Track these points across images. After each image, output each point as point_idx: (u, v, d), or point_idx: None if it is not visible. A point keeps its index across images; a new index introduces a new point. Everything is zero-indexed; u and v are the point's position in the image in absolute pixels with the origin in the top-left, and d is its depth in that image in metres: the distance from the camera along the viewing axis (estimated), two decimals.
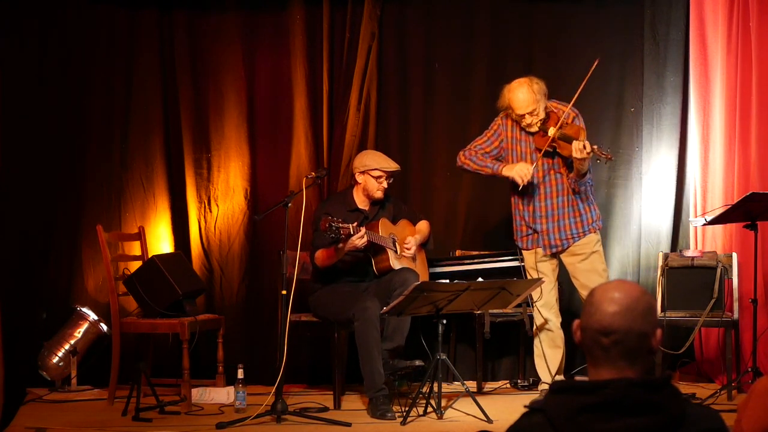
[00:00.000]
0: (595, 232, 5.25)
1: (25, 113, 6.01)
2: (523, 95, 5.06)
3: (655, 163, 6.07)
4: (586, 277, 5.19)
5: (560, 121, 5.04)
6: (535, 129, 5.11)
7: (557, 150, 5.07)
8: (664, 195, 6.05)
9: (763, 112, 5.75)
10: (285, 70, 6.21)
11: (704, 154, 5.96)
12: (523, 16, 6.24)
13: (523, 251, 5.36)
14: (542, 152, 5.07)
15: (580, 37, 6.17)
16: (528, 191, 5.19)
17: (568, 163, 5.10)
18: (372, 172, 5.37)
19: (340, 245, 5.13)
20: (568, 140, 4.98)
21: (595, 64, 5.09)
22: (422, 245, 5.65)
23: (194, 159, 6.20)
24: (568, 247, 5.22)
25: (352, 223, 5.06)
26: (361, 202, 5.45)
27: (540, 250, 5.26)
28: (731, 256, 5.64)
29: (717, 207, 5.71)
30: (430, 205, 6.19)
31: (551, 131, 5.02)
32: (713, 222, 5.39)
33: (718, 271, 5.54)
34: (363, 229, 5.10)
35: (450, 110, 6.25)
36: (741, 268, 5.64)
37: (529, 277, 5.27)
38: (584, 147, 4.89)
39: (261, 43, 6.27)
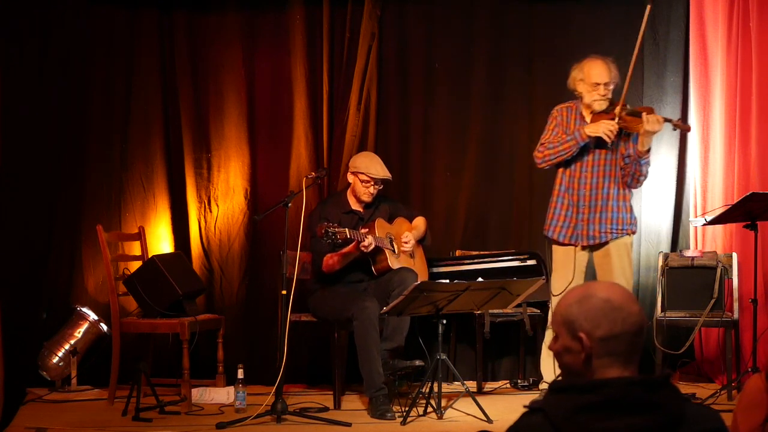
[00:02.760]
0: (630, 234, 5.19)
1: (25, 113, 6.01)
2: (605, 65, 5.09)
3: (655, 163, 6.06)
4: (612, 278, 5.06)
5: (622, 99, 5.01)
6: (603, 105, 5.06)
7: (625, 126, 5.01)
8: (664, 195, 6.05)
9: (763, 112, 5.75)
10: (285, 70, 6.21)
11: (704, 154, 5.96)
12: (523, 17, 6.24)
13: (555, 244, 5.22)
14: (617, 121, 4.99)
15: (580, 37, 6.17)
16: (576, 180, 5.12)
17: (625, 146, 5.07)
18: (360, 175, 5.39)
19: (347, 251, 5.16)
20: (637, 114, 4.97)
21: (648, 9, 5.06)
22: (420, 241, 5.65)
23: (194, 159, 6.20)
24: (605, 242, 5.13)
25: (348, 227, 5.07)
26: (356, 204, 5.46)
27: (579, 246, 5.14)
28: (731, 256, 5.65)
29: (717, 207, 5.71)
30: (430, 206, 6.19)
31: (617, 109, 4.99)
32: (713, 222, 5.39)
33: (718, 271, 5.55)
34: (370, 237, 5.15)
35: (450, 110, 6.25)
36: (741, 268, 5.64)
37: (554, 272, 5.20)
38: (658, 118, 4.91)
39: (261, 43, 6.27)
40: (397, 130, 6.26)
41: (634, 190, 5.27)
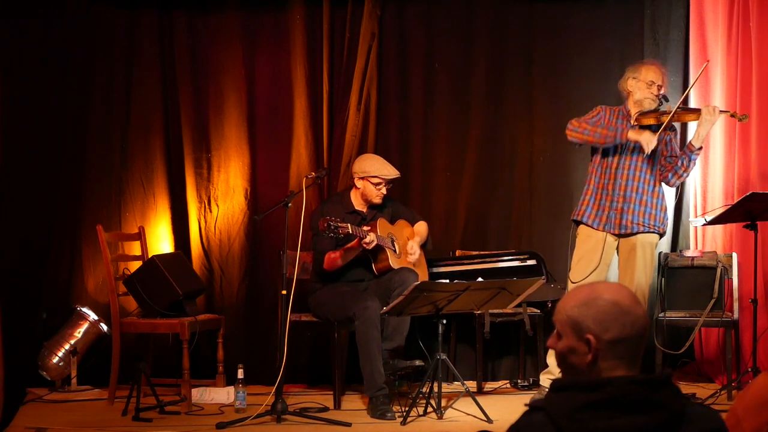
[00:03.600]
0: (659, 233, 5.28)
1: (25, 113, 6.01)
2: (661, 70, 5.36)
3: None
4: (634, 272, 5.15)
5: (681, 100, 5.29)
6: (653, 105, 5.25)
7: (677, 119, 5.23)
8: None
9: (763, 112, 5.75)
10: (285, 70, 6.21)
11: (704, 154, 5.96)
12: (523, 16, 6.24)
13: (586, 229, 5.28)
14: (665, 124, 5.16)
15: (580, 37, 6.17)
16: (613, 169, 5.23)
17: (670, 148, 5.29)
18: (371, 179, 5.39)
19: (350, 246, 5.17)
20: (691, 111, 5.26)
21: (705, 65, 5.47)
22: (422, 246, 5.66)
23: (194, 159, 6.20)
24: (636, 232, 5.21)
25: (351, 224, 5.09)
26: (359, 204, 5.47)
27: (609, 234, 5.22)
28: (731, 256, 5.65)
29: (717, 207, 5.71)
30: (430, 206, 6.19)
31: (669, 107, 5.24)
32: (713, 222, 5.39)
33: (718, 271, 5.55)
34: (372, 234, 5.17)
35: (450, 110, 6.25)
36: (741, 268, 5.64)
37: (577, 259, 5.20)
38: (715, 107, 5.17)
39: (261, 43, 6.27)
40: (397, 130, 6.26)
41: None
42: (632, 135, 5.17)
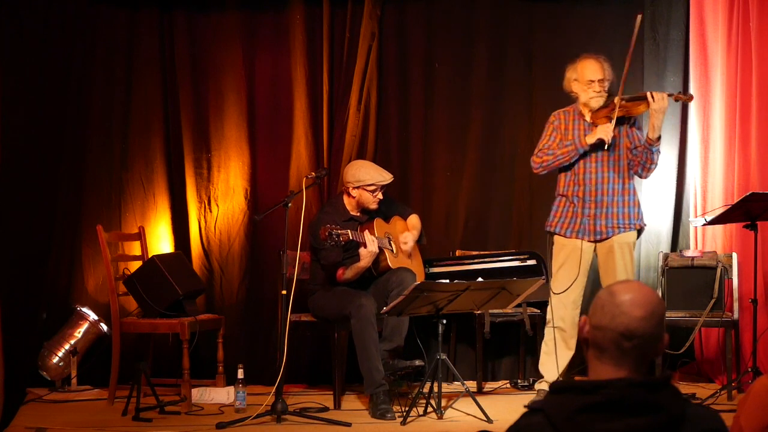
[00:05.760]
0: (636, 229, 5.14)
1: (25, 113, 6.01)
2: (598, 62, 5.12)
3: None
4: (615, 274, 5.04)
5: (621, 90, 5.03)
6: (600, 102, 5.07)
7: (628, 112, 5.03)
8: (664, 195, 6.05)
9: (763, 112, 5.75)
10: (285, 70, 6.21)
11: (704, 154, 5.97)
12: (523, 16, 6.24)
13: (560, 239, 5.14)
14: (614, 119, 4.99)
15: (580, 36, 6.17)
16: (581, 175, 5.10)
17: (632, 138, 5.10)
18: (367, 187, 5.36)
19: (360, 266, 5.17)
20: (639, 99, 5.01)
21: (638, 19, 5.12)
22: (416, 240, 5.65)
23: (194, 159, 6.20)
24: (612, 236, 5.09)
25: (351, 230, 5.08)
26: (354, 209, 5.45)
27: (584, 241, 5.10)
28: (731, 256, 5.65)
29: (717, 207, 5.71)
30: (430, 205, 6.19)
31: (616, 99, 5.00)
32: (713, 222, 5.39)
33: (718, 271, 5.56)
34: (373, 237, 5.15)
35: (450, 110, 6.25)
36: (741, 268, 5.64)
37: (556, 269, 5.13)
38: (663, 95, 4.95)
39: (261, 43, 6.27)
40: (397, 130, 6.26)
41: (637, 185, 5.25)
42: (590, 139, 5.04)
